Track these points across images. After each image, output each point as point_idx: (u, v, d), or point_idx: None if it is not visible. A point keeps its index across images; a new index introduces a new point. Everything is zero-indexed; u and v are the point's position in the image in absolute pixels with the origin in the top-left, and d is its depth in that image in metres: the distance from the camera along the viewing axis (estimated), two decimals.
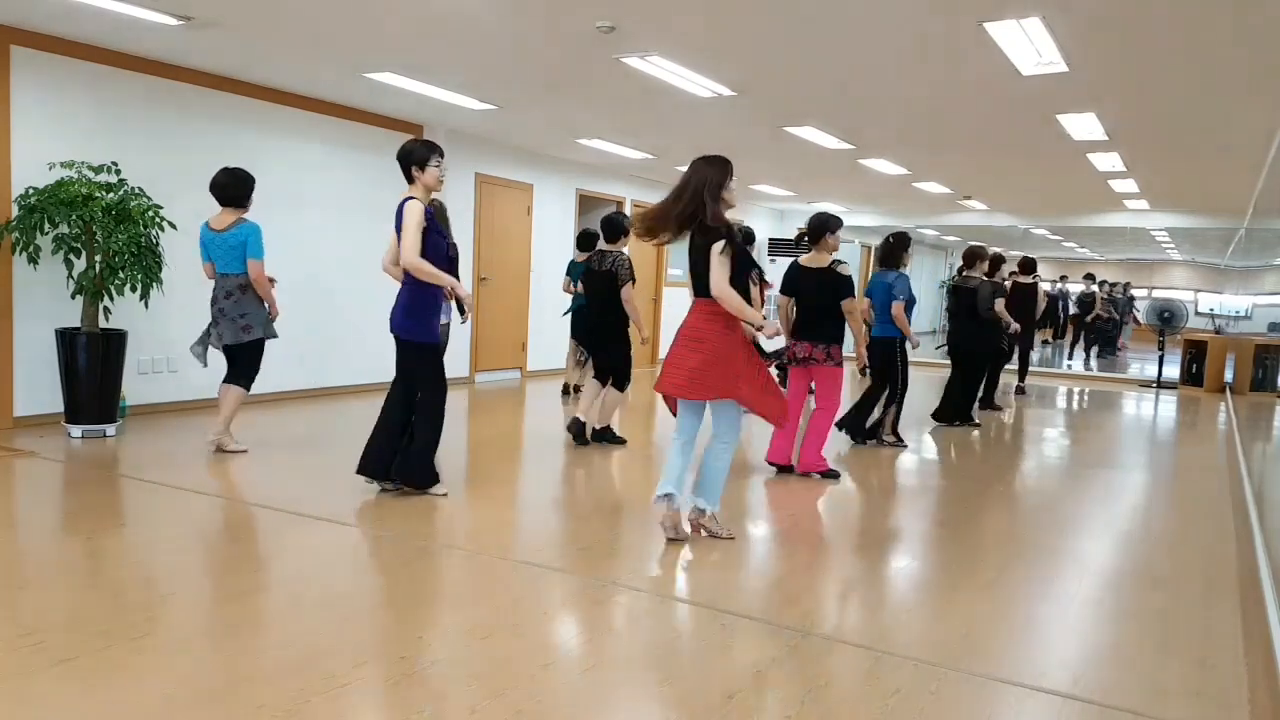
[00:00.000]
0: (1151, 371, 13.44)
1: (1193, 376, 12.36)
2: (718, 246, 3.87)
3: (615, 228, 6.27)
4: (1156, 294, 17.41)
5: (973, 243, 9.69)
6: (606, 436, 6.33)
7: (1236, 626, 3.37)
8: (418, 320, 4.47)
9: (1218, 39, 4.78)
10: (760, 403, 4.00)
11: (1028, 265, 9.80)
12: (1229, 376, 11.69)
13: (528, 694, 2.54)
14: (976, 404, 8.22)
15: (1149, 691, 2.77)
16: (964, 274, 7.97)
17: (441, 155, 4.47)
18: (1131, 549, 4.44)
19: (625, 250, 6.24)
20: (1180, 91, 5.93)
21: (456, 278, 4.55)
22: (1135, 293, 18.74)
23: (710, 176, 3.95)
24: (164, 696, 2.43)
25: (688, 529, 4.18)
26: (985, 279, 7.87)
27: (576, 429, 6.29)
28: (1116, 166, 9.00)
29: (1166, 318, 12.75)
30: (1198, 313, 15.42)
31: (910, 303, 6.56)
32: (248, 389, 5.45)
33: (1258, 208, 10.32)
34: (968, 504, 5.22)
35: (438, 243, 4.45)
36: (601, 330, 6.31)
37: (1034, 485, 5.83)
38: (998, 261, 8.40)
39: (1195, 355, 12.36)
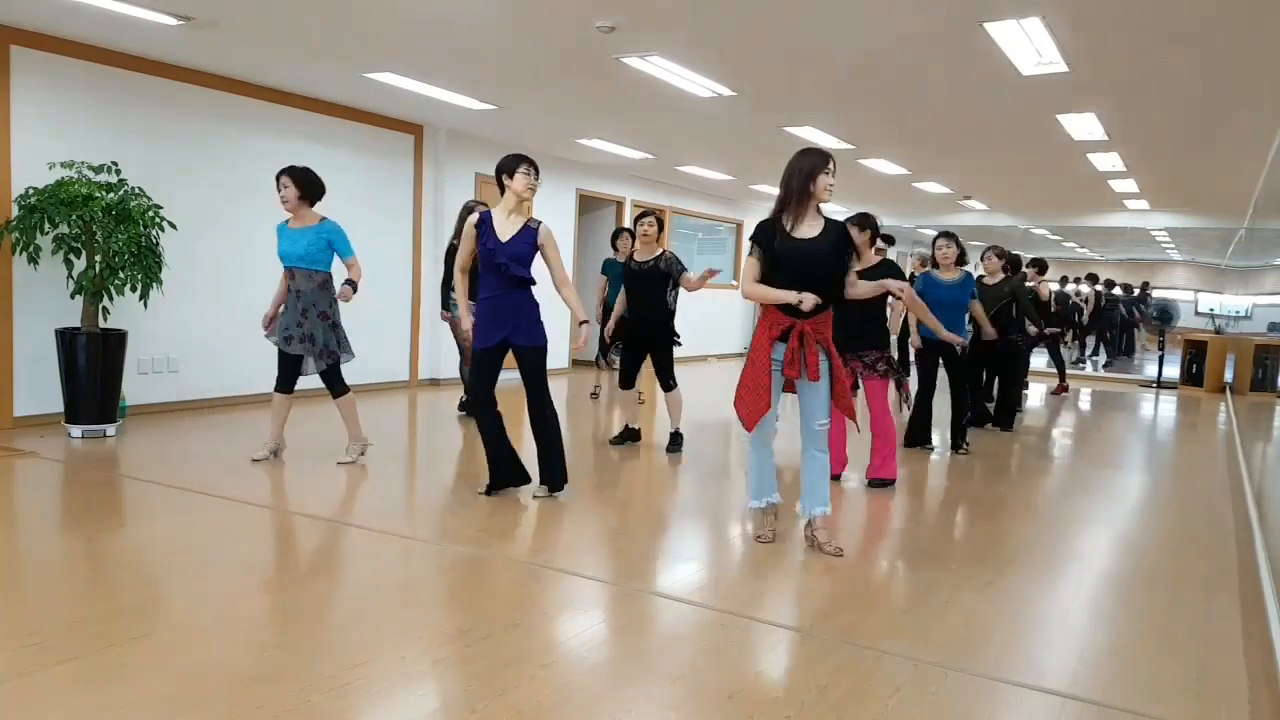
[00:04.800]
0: (1149, 372, 13.44)
1: (1193, 376, 12.36)
2: None
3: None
4: (1155, 293, 17.41)
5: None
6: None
7: (1236, 626, 3.37)
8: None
9: (1218, 39, 4.78)
10: None
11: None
12: (1229, 376, 11.70)
13: (528, 694, 2.54)
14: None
15: (1149, 691, 2.77)
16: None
17: (533, 166, 4.61)
18: (1131, 549, 4.44)
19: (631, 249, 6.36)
20: (1180, 91, 5.93)
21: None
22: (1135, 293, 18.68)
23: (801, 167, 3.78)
24: (164, 696, 2.43)
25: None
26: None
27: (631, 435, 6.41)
28: (1116, 166, 9.00)
29: (1159, 316, 12.78)
30: (1197, 313, 15.41)
31: None
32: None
33: (1258, 208, 10.32)
34: (967, 504, 5.22)
35: (484, 252, 4.69)
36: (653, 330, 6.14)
37: (1034, 485, 5.82)
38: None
39: (1195, 355, 12.37)
